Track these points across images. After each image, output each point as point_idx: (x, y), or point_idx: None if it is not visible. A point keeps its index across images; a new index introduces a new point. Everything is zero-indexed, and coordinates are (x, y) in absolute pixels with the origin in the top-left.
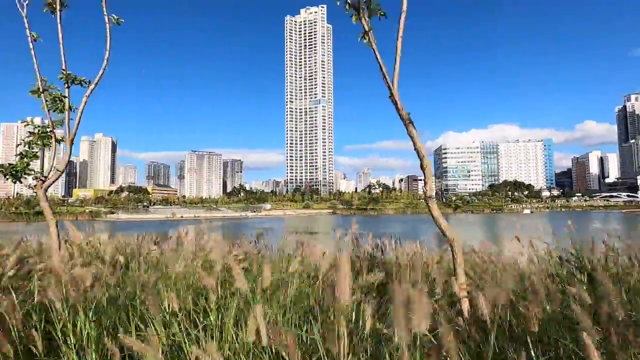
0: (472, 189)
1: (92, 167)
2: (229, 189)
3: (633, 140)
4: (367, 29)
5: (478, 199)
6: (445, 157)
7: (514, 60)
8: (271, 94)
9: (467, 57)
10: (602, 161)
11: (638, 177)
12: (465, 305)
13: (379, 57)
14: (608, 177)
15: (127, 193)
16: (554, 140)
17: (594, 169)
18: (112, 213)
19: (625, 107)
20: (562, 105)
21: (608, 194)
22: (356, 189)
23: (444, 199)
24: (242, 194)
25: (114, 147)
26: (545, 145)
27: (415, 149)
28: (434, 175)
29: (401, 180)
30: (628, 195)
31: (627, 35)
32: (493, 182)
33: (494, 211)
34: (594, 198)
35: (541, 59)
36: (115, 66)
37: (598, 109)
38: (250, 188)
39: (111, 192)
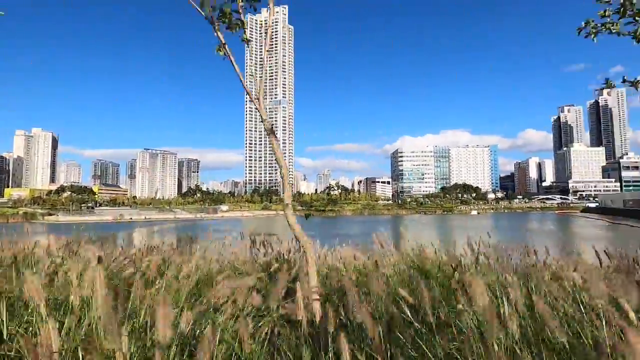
0: (426, 191)
1: (29, 165)
2: (184, 190)
3: (565, 148)
4: (222, 42)
5: (431, 200)
6: (401, 161)
7: (467, 70)
8: (231, 93)
9: (425, 65)
10: (539, 166)
11: (569, 181)
12: (316, 306)
13: (237, 69)
14: (545, 181)
15: (69, 193)
16: (500, 146)
17: (533, 173)
18: (51, 215)
19: (559, 117)
20: (508, 114)
21: (544, 197)
22: (316, 190)
23: (399, 201)
24: (198, 195)
25: (54, 142)
26: (491, 151)
27: (275, 159)
28: (391, 178)
29: (360, 182)
30: (561, 198)
31: (563, 53)
32: (445, 185)
33: (445, 212)
34: (533, 200)
35: (491, 72)
36: (58, 57)
37: (537, 119)
38: (207, 189)
39: (50, 191)
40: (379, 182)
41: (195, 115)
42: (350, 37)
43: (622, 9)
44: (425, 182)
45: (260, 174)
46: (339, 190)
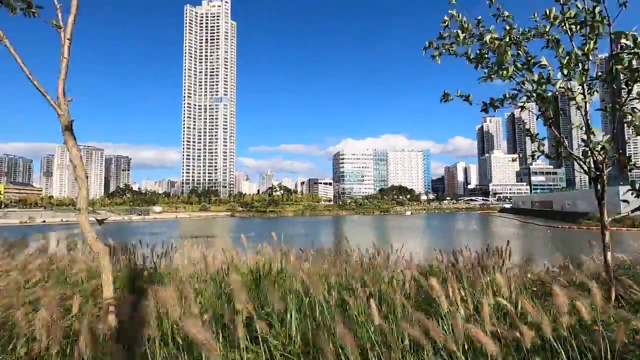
0: (365, 193)
1: None
2: (112, 190)
3: (487, 154)
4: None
5: (369, 201)
6: (343, 163)
7: (407, 78)
8: (169, 89)
9: (372, 70)
10: (466, 171)
11: (490, 184)
12: (111, 318)
13: (18, 60)
14: (470, 184)
15: None
16: (432, 151)
17: (460, 177)
18: None
19: (482, 127)
20: (440, 121)
21: (469, 198)
22: (258, 191)
23: (340, 202)
24: (128, 195)
25: None
26: (424, 156)
27: (69, 159)
28: (333, 179)
29: (303, 183)
30: (483, 199)
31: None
32: (382, 187)
33: (382, 213)
34: (459, 201)
35: (426, 81)
36: None
37: (465, 127)
38: (139, 188)
39: None
40: (321, 183)
41: (129, 109)
42: (300, 38)
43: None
44: (365, 184)
45: (199, 173)
46: (281, 191)
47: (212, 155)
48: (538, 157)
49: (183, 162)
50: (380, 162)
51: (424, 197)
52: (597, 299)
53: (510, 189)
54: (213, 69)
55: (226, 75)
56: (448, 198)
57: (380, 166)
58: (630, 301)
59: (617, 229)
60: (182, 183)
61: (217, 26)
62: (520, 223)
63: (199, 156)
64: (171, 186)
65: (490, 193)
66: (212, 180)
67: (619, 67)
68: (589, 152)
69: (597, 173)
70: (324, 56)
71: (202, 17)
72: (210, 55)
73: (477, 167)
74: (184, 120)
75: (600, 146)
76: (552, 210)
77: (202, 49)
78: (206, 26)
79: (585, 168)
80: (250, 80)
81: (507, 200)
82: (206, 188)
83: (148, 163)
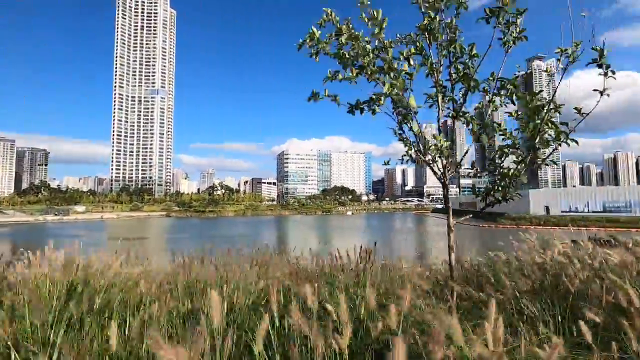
0: (309, 193)
1: None
2: (25, 186)
3: None
4: None
5: (312, 201)
6: (287, 162)
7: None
8: (103, 75)
9: (319, 70)
10: (403, 173)
11: (424, 186)
12: None
13: None
14: (407, 185)
15: None
16: (375, 153)
17: (399, 179)
18: None
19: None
20: (382, 125)
21: (406, 199)
22: (199, 190)
23: (283, 202)
24: (44, 193)
25: None
26: (366, 158)
27: None
28: (277, 179)
29: (246, 182)
30: (418, 200)
31: (424, 77)
32: (326, 187)
33: (325, 213)
34: (397, 202)
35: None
36: None
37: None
38: (59, 185)
39: None
40: (265, 182)
41: (50, 98)
42: (246, 34)
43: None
44: (309, 184)
45: (132, 170)
46: (223, 191)
47: (146, 151)
48: (407, 160)
49: (113, 158)
50: (324, 163)
51: (364, 198)
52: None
53: (442, 191)
54: (149, 58)
55: (164, 66)
56: (387, 199)
57: (324, 167)
58: (468, 300)
59: (526, 227)
60: (112, 180)
61: (155, 13)
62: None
63: (132, 151)
64: (99, 184)
65: (425, 194)
66: (146, 177)
67: (454, 75)
68: (438, 157)
69: (442, 179)
70: (271, 55)
71: (137, 1)
72: (147, 44)
73: (414, 170)
74: (114, 112)
75: (437, 150)
76: (475, 210)
77: (137, 36)
78: (142, 12)
79: (439, 173)
80: (192, 74)
81: (439, 201)
82: (139, 186)
83: (72, 158)
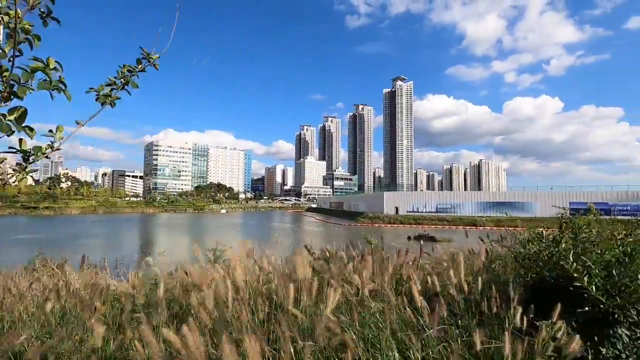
0: (182, 189)
1: None
2: None
3: (302, 159)
4: None
5: (184, 198)
6: (157, 155)
7: (242, 77)
8: None
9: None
10: (284, 172)
11: (302, 186)
12: None
13: None
14: (287, 185)
15: None
16: (258, 152)
17: (279, 178)
18: None
19: (300, 134)
20: (267, 125)
21: (283, 198)
22: (38, 180)
23: (150, 198)
24: None
25: None
26: (246, 155)
27: None
28: (144, 172)
29: (105, 174)
30: (296, 199)
31: (308, 85)
32: (200, 184)
33: (197, 211)
34: (275, 200)
35: (260, 86)
36: None
37: (288, 133)
38: None
39: None
40: (129, 176)
41: None
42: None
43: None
44: (182, 180)
45: None
46: (69, 183)
47: None
48: None
49: None
50: (200, 158)
51: (242, 196)
52: None
53: (318, 191)
54: None
55: None
56: (265, 197)
57: (200, 162)
58: None
59: (378, 225)
60: None
61: None
62: (316, 221)
63: None
64: None
65: (302, 194)
66: None
67: None
68: None
69: None
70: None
71: None
72: None
73: (293, 169)
74: None
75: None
76: (343, 210)
77: None
78: None
79: None
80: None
81: (314, 200)
82: None
83: None
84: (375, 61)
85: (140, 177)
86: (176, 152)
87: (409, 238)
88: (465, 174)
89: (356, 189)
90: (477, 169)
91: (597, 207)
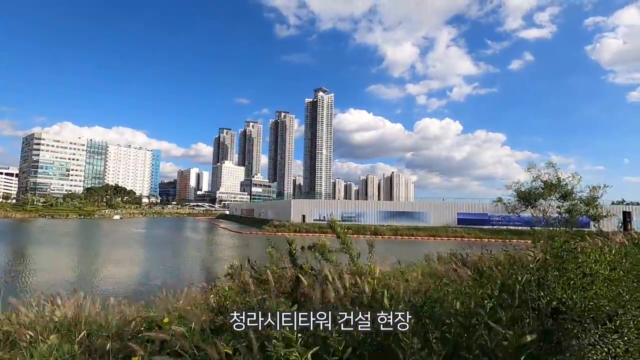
0: (71, 190)
1: None
2: None
3: (219, 163)
4: None
5: (69, 201)
6: (39, 150)
7: (164, 75)
8: None
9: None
10: (198, 176)
11: (217, 192)
12: None
13: None
14: (201, 190)
15: None
16: (174, 153)
17: (193, 182)
18: None
19: (219, 137)
20: (185, 126)
21: (195, 204)
22: None
23: (22, 200)
24: None
25: None
26: (154, 156)
27: None
28: (20, 169)
29: None
30: (209, 205)
31: (234, 88)
32: (94, 185)
33: (83, 217)
34: (185, 206)
35: (182, 86)
36: None
37: (209, 135)
38: None
39: None
40: (1, 173)
41: None
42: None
43: None
44: (71, 180)
45: None
46: None
47: None
48: None
49: None
50: (96, 156)
51: (146, 200)
52: None
53: (234, 197)
54: None
55: None
56: (174, 202)
57: (96, 161)
58: None
59: (282, 233)
60: None
61: None
62: (216, 227)
63: None
64: None
65: (217, 200)
66: None
67: None
68: None
69: None
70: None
71: None
72: None
73: (209, 174)
74: None
75: None
76: (253, 217)
77: None
78: None
79: None
80: None
81: (228, 207)
82: None
83: None
84: (302, 72)
85: (16, 175)
86: (65, 147)
87: (302, 248)
88: (379, 185)
89: (275, 196)
90: (390, 181)
91: (479, 217)
